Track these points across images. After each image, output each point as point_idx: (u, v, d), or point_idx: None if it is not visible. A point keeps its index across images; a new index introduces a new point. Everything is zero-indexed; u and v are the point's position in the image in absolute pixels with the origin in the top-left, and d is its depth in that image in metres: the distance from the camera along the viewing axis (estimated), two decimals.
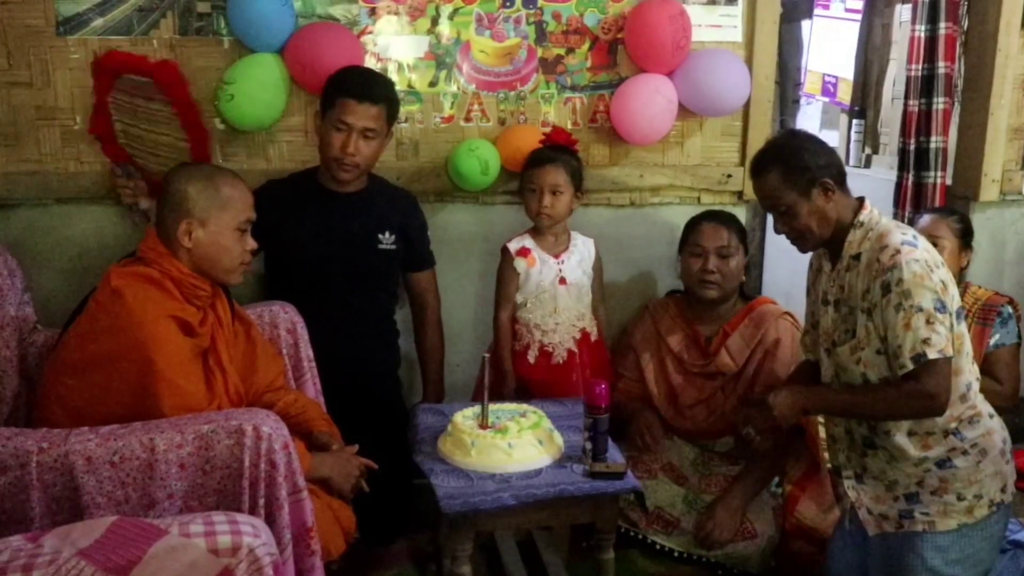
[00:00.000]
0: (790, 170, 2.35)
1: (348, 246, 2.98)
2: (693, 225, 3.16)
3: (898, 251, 2.22)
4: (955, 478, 2.28)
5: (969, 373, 2.31)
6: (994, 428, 2.33)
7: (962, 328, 2.28)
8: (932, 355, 2.16)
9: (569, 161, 3.05)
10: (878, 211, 2.38)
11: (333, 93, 2.87)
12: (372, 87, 2.90)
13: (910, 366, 2.18)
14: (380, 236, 3.03)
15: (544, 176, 3.01)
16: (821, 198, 2.34)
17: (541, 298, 3.07)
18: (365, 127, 2.87)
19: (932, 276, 2.19)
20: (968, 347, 2.31)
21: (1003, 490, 2.32)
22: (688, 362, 3.14)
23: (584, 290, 3.13)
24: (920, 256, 2.21)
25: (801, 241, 2.43)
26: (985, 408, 2.35)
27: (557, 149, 3.06)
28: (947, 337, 2.18)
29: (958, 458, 2.28)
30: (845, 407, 2.41)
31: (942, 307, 2.18)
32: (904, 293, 2.19)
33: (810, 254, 2.59)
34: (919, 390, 2.19)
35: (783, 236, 2.47)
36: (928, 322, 2.16)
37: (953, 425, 2.28)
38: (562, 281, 3.08)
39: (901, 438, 2.28)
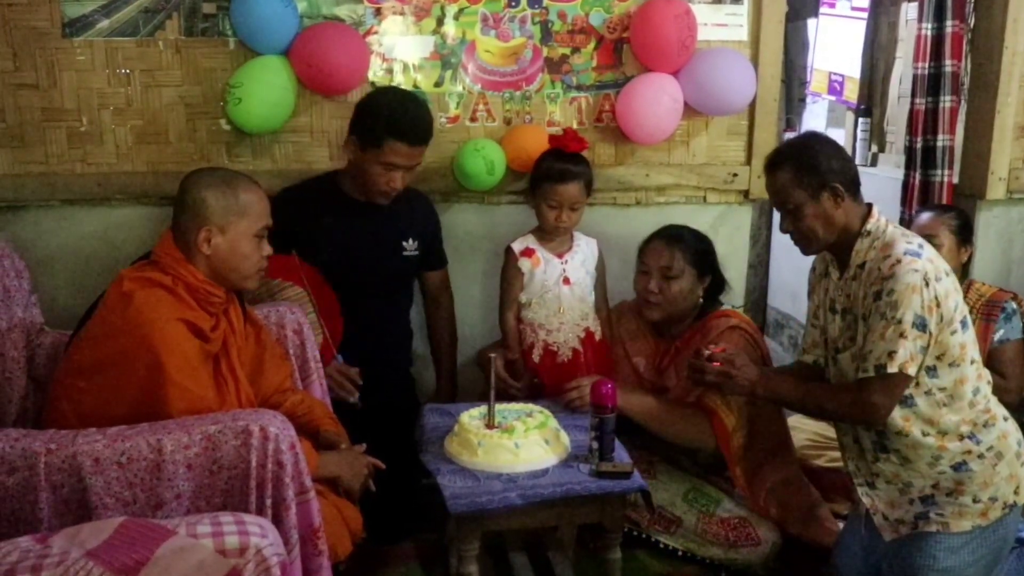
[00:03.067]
0: (802, 169, 2.35)
1: (375, 256, 3.00)
2: (645, 242, 3.09)
3: (899, 261, 2.22)
4: (971, 480, 2.28)
5: (976, 379, 2.31)
6: (1009, 431, 2.34)
7: (967, 336, 2.28)
8: (892, 368, 2.19)
9: (586, 173, 3.04)
10: (885, 219, 2.38)
11: (383, 133, 2.81)
12: (425, 131, 2.91)
13: (871, 372, 2.22)
14: (404, 244, 3.07)
15: (565, 194, 2.99)
16: (829, 202, 2.34)
17: (545, 298, 3.07)
18: (413, 164, 2.90)
19: (927, 290, 2.19)
20: (973, 354, 2.31)
21: (1016, 492, 2.32)
22: (643, 375, 3.12)
23: (587, 290, 3.12)
24: (921, 267, 2.20)
25: (804, 243, 2.43)
26: (1000, 411, 2.35)
27: (573, 159, 3.04)
28: (914, 355, 2.19)
29: (974, 461, 2.28)
30: (792, 400, 2.47)
31: (922, 325, 2.18)
32: (892, 304, 2.20)
33: (815, 257, 2.59)
34: (866, 399, 2.24)
35: (789, 237, 2.48)
36: (901, 336, 2.18)
37: (967, 429, 2.28)
38: (566, 281, 3.07)
39: (916, 436, 2.28)
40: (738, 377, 2.42)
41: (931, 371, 2.26)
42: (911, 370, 2.20)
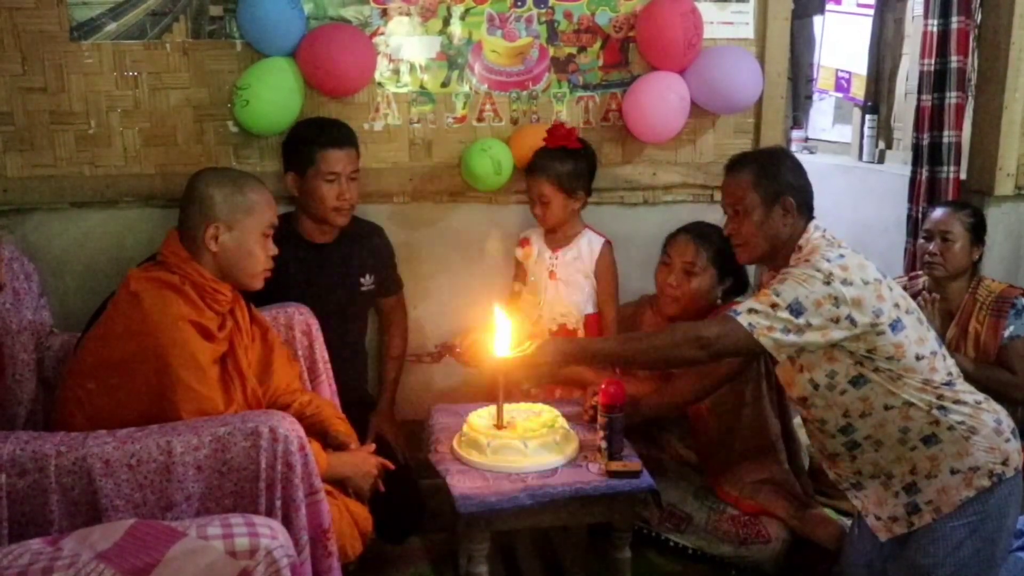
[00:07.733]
0: (764, 175, 2.41)
1: (333, 296, 3.05)
2: (672, 234, 3.06)
3: (807, 261, 2.28)
4: (943, 453, 2.29)
5: (929, 371, 2.30)
6: (983, 410, 2.33)
7: (901, 337, 2.26)
8: (740, 316, 2.21)
9: (555, 168, 3.00)
10: (820, 232, 2.40)
11: (313, 148, 2.92)
12: (346, 133, 3.00)
13: (721, 307, 2.22)
14: (361, 280, 3.13)
15: (531, 187, 3.06)
16: (779, 214, 2.39)
17: (535, 287, 3.12)
18: (352, 171, 2.97)
19: (823, 286, 2.20)
20: (919, 351, 2.28)
21: (1004, 463, 2.29)
22: None
23: (575, 288, 3.11)
24: (825, 267, 2.23)
25: (743, 248, 2.48)
26: (971, 397, 2.35)
27: (551, 153, 3.03)
28: (772, 328, 2.20)
29: (943, 433, 2.29)
30: (613, 354, 2.47)
31: (797, 311, 2.20)
32: (780, 280, 2.25)
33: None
34: (699, 326, 2.28)
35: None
36: (772, 305, 2.21)
37: (930, 399, 2.29)
38: (551, 275, 3.10)
39: (880, 412, 2.30)
40: (537, 358, 2.39)
41: (869, 359, 2.27)
42: (763, 339, 2.20)
